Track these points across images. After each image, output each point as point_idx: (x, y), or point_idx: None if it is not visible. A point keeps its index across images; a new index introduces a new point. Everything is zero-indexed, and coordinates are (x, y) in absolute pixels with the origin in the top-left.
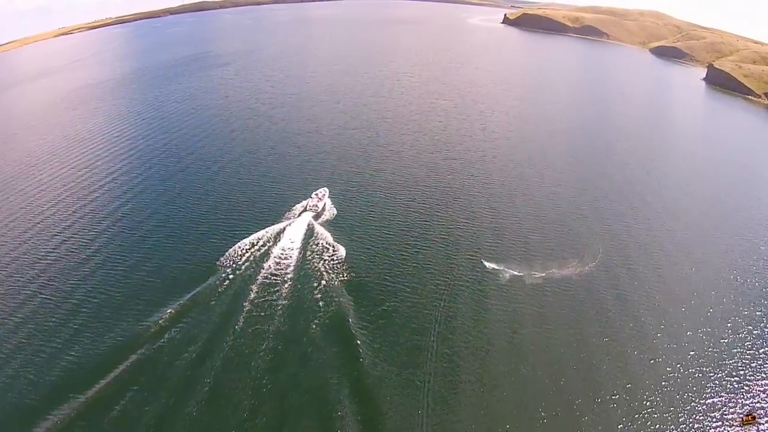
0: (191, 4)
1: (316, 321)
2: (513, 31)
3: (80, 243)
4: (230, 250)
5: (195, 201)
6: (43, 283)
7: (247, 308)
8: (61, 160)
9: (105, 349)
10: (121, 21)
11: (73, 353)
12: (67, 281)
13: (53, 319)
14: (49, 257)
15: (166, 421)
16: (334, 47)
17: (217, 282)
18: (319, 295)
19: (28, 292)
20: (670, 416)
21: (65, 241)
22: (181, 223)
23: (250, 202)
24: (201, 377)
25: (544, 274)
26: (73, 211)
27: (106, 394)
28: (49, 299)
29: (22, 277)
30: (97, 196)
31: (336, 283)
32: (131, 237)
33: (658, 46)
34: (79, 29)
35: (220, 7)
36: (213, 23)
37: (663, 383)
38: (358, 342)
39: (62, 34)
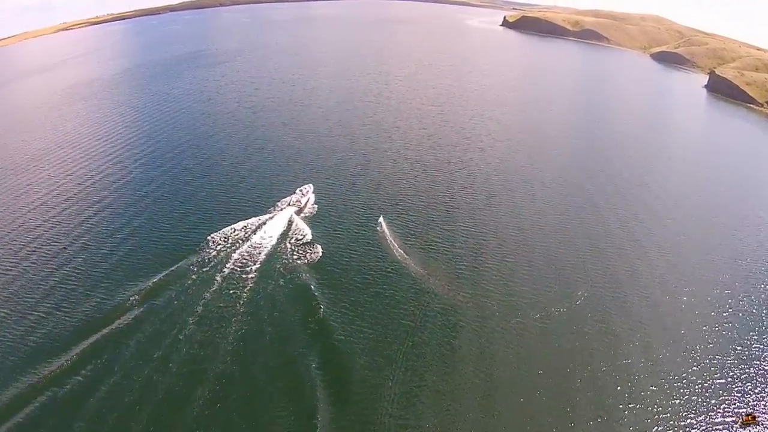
0: (190, 1)
1: (278, 311)
2: (511, 34)
3: (72, 220)
4: (212, 236)
5: (182, 191)
6: (31, 252)
7: (218, 290)
8: (57, 155)
9: (84, 316)
10: (120, 18)
11: (51, 319)
12: (55, 252)
13: (40, 283)
14: (43, 227)
15: (135, 389)
16: (326, 48)
17: (195, 264)
18: (288, 287)
19: (13, 265)
20: (670, 416)
21: (59, 213)
22: (168, 209)
23: (236, 194)
24: (169, 353)
25: (526, 304)
26: (70, 190)
27: (79, 361)
28: (37, 267)
29: (10, 252)
30: (90, 178)
31: (306, 277)
32: (119, 219)
33: (659, 52)
34: (79, 25)
35: (220, 5)
36: (209, 21)
37: (662, 383)
38: (316, 342)
39: (62, 29)
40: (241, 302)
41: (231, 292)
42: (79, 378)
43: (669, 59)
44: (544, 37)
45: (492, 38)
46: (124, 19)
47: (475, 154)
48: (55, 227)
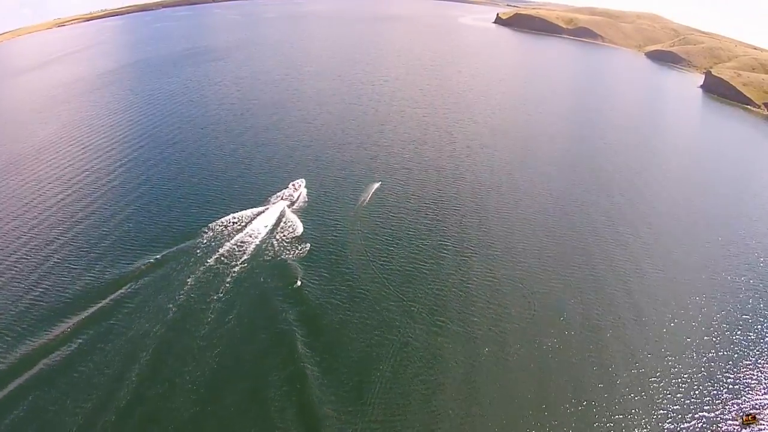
0: None
1: (262, 302)
2: (504, 32)
3: (68, 209)
4: (207, 225)
5: (173, 187)
6: (40, 229)
7: (206, 277)
8: (48, 154)
9: (79, 290)
10: (115, 13)
11: (48, 289)
12: (48, 239)
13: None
14: (37, 217)
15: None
16: (313, 47)
17: (187, 250)
18: (274, 279)
19: (22, 241)
20: (670, 416)
21: (55, 204)
22: (163, 202)
23: (229, 189)
24: (148, 334)
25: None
26: (65, 183)
27: (75, 332)
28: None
29: (20, 229)
30: (92, 166)
31: (293, 268)
32: (114, 212)
33: (654, 50)
34: (73, 21)
35: (213, 1)
36: (200, 18)
37: (663, 383)
38: (296, 335)
39: (57, 25)
40: (228, 289)
41: (219, 278)
42: (76, 348)
43: (664, 58)
44: (537, 35)
45: (484, 36)
46: (117, 15)
47: (460, 157)
48: (49, 217)
